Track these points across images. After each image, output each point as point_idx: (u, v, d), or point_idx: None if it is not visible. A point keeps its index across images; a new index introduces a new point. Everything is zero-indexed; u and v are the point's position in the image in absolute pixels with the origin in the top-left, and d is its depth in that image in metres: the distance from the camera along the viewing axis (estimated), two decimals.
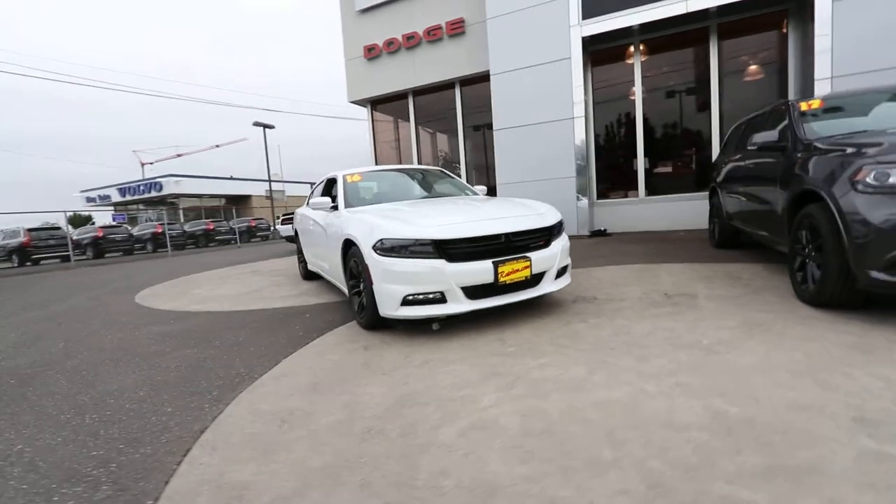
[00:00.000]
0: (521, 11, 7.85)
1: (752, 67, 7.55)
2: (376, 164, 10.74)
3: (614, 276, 4.32)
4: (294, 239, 10.64)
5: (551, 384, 2.03)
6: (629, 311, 3.14)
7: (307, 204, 5.54)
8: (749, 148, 3.90)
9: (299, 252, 5.90)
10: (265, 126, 23.16)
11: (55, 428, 1.97)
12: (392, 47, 9.53)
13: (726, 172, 5.07)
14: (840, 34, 6.02)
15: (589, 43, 7.80)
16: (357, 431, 1.73)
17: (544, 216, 3.23)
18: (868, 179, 2.43)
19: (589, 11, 7.48)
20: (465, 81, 9.42)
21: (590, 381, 2.03)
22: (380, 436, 1.69)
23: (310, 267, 5.36)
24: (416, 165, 4.68)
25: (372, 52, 9.74)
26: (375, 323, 3.05)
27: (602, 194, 8.44)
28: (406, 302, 2.77)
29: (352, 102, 10.37)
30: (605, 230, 7.99)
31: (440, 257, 2.75)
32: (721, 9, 6.96)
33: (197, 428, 1.87)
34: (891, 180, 2.36)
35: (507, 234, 2.91)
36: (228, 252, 14.10)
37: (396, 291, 2.77)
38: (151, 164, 41.80)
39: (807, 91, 6.71)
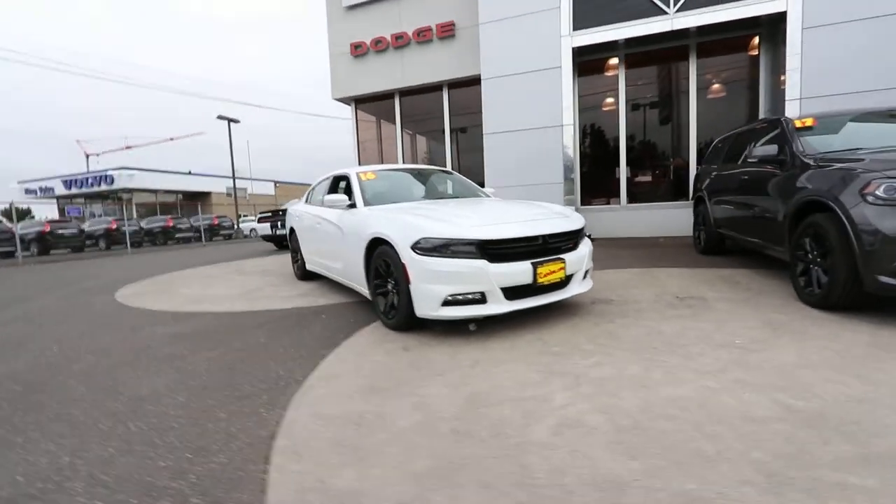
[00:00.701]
0: (513, 18, 7.99)
1: (727, 85, 8.07)
2: (359, 163, 10.57)
3: (619, 280, 4.47)
4: (273, 238, 10.33)
5: (615, 383, 2.08)
6: (650, 312, 3.26)
7: (306, 201, 5.38)
8: (749, 160, 4.15)
9: (294, 251, 5.70)
10: (230, 120, 22.21)
11: (99, 438, 1.80)
12: (380, 46, 9.42)
13: (715, 183, 5.38)
14: (808, 59, 6.54)
15: (577, 54, 8.05)
16: (444, 433, 1.71)
17: (571, 219, 3.31)
18: (878, 192, 2.66)
19: (579, 23, 7.73)
20: (454, 84, 9.46)
21: (651, 379, 2.09)
22: (470, 437, 1.67)
23: (309, 266, 5.19)
24: (424, 166, 4.62)
25: (359, 50, 9.59)
26: (408, 324, 3.01)
27: (585, 201, 8.71)
28: (447, 302, 2.75)
29: (336, 100, 10.15)
30: (590, 235, 8.24)
31: (482, 258, 2.75)
32: (700, 29, 7.40)
33: (265, 434, 1.77)
34: None
35: (544, 236, 2.96)
36: (195, 251, 13.37)
37: (438, 291, 2.75)
38: (98, 155, 38.94)
39: (777, 110, 7.25)
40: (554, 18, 7.79)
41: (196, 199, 28.96)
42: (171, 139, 38.07)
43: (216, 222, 20.89)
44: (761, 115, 7.70)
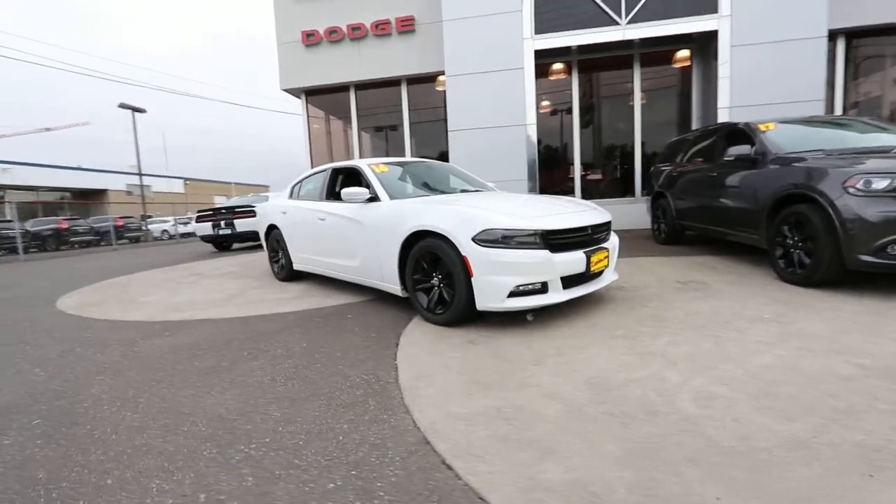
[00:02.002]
0: (477, 18, 8.11)
1: (665, 91, 8.98)
2: (311, 158, 10.00)
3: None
4: (215, 239, 9.31)
5: (703, 358, 2.24)
6: (668, 296, 3.54)
7: (291, 196, 4.99)
8: (726, 159, 4.66)
9: (273, 251, 5.25)
10: (134, 109, 19.66)
11: (220, 467, 1.52)
12: (335, 36, 8.99)
13: (678, 180, 5.96)
14: (735, 73, 7.52)
15: (537, 56, 8.40)
16: (600, 417, 1.71)
17: (602, 212, 3.47)
18: (858, 185, 3.16)
19: (540, 28, 8.08)
20: (413, 80, 9.35)
21: (730, 352, 2.29)
22: (630, 417, 1.70)
23: (297, 266, 4.82)
24: (425, 159, 4.41)
25: (311, 39, 9.06)
26: (462, 318, 2.95)
27: None
28: (512, 293, 2.75)
29: (284, 90, 9.47)
30: None
31: (544, 248, 2.79)
32: (644, 41, 8.14)
33: (414, 440, 1.63)
34: (873, 186, 3.11)
35: (591, 227, 3.07)
36: (107, 256, 11.63)
37: (504, 283, 2.73)
38: None
39: (709, 116, 8.22)
40: (516, 21, 8.05)
41: (89, 198, 25.11)
42: (48, 129, 32.52)
43: (121, 223, 18.34)
44: (694, 121, 8.68)
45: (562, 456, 1.47)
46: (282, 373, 2.34)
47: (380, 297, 4.00)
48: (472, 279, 2.80)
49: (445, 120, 9.29)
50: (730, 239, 4.84)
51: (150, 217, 21.89)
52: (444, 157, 8.99)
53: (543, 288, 2.81)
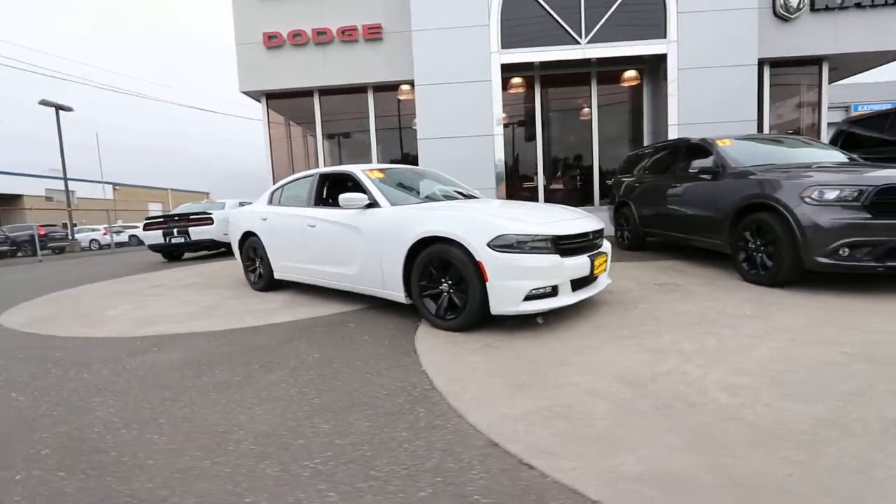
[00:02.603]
0: (447, 30, 8.26)
1: (620, 107, 9.61)
2: (271, 164, 9.62)
3: None
4: (166, 248, 8.59)
5: (712, 353, 2.42)
6: (652, 297, 3.79)
7: (271, 202, 4.79)
8: (690, 171, 5.07)
9: (251, 260, 4.99)
10: (58, 107, 17.85)
11: (292, 485, 1.43)
12: (299, 40, 8.75)
13: (641, 190, 6.39)
14: (683, 93, 8.23)
15: (503, 70, 8.69)
16: (646, 409, 1.82)
17: (595, 218, 3.66)
18: (814, 196, 3.59)
19: (506, 43, 8.38)
20: (379, 87, 9.30)
21: (731, 346, 2.50)
22: (672, 409, 1.81)
23: (279, 275, 4.62)
24: (415, 166, 4.30)
25: (274, 41, 8.76)
26: (474, 323, 2.98)
27: None
28: (527, 297, 2.83)
29: (244, 93, 9.06)
30: None
31: (555, 252, 2.90)
32: (600, 60, 8.70)
33: (481, 443, 1.64)
34: (826, 196, 3.55)
35: (591, 232, 3.24)
36: (34, 268, 10.36)
37: (520, 287, 2.80)
38: None
39: (658, 131, 8.90)
40: (484, 35, 8.30)
41: (3, 204, 22.31)
42: None
43: (43, 232, 16.44)
44: (646, 136, 9.36)
45: (629, 448, 1.55)
46: (307, 385, 2.25)
47: (374, 304, 3.93)
48: (487, 284, 2.84)
49: (412, 128, 9.35)
50: (692, 245, 5.25)
51: (76, 225, 19.84)
52: (412, 164, 9.00)
53: (554, 291, 2.92)
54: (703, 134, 7.00)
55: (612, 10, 8.17)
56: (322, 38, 8.75)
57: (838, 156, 4.89)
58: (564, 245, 2.96)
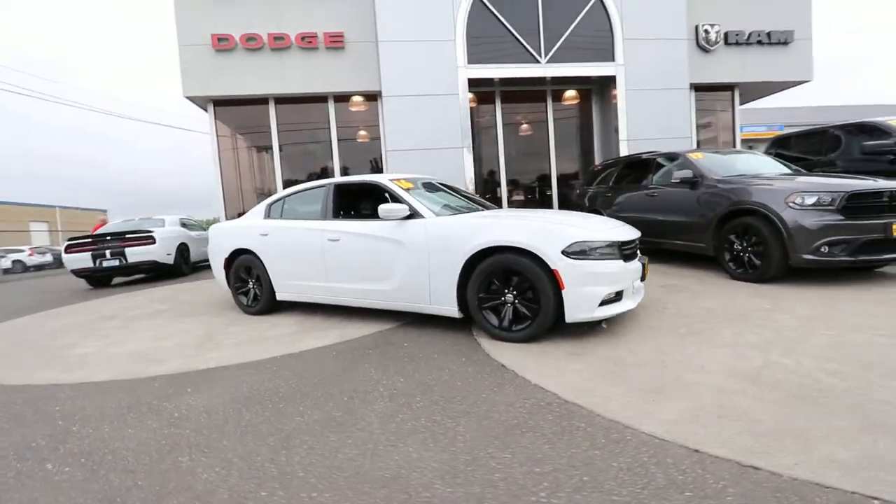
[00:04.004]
0: (413, 42, 8.22)
1: (573, 122, 10.25)
2: (221, 177, 8.75)
3: None
4: (93, 273, 7.27)
5: (781, 343, 2.63)
6: (670, 298, 4.05)
7: (270, 216, 4.34)
8: (672, 181, 5.51)
9: (242, 281, 4.45)
10: None
11: None
12: (253, 44, 8.13)
13: (615, 198, 6.82)
14: (630, 111, 9.01)
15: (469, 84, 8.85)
16: (792, 399, 1.91)
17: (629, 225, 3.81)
18: (797, 201, 4.11)
19: (472, 58, 8.56)
20: (341, 97, 8.95)
21: (789, 336, 2.74)
22: (816, 392, 1.93)
23: (283, 296, 4.18)
24: (428, 177, 4.05)
25: (224, 44, 8.03)
26: (545, 332, 2.94)
27: None
28: (602, 302, 2.86)
29: (188, 98, 8.16)
30: None
31: (620, 258, 2.98)
32: (555, 79, 9.25)
33: (682, 452, 1.60)
34: (807, 202, 4.08)
35: (636, 239, 3.38)
36: None
37: (595, 293, 2.83)
38: None
39: (608, 145, 9.63)
40: (450, 49, 8.40)
41: None
42: None
43: None
44: (596, 150, 10.06)
45: (819, 438, 1.62)
46: (428, 413, 2.04)
47: (408, 321, 3.71)
48: (564, 292, 2.83)
49: (378, 139, 9.12)
50: (674, 248, 5.70)
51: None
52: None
53: (618, 296, 2.99)
54: (649, 148, 7.81)
55: (568, 32, 8.74)
56: (279, 43, 8.21)
57: (783, 167, 5.65)
58: (625, 250, 3.05)
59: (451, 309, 3.25)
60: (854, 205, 4.00)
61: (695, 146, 10.42)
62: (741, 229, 4.57)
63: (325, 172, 9.21)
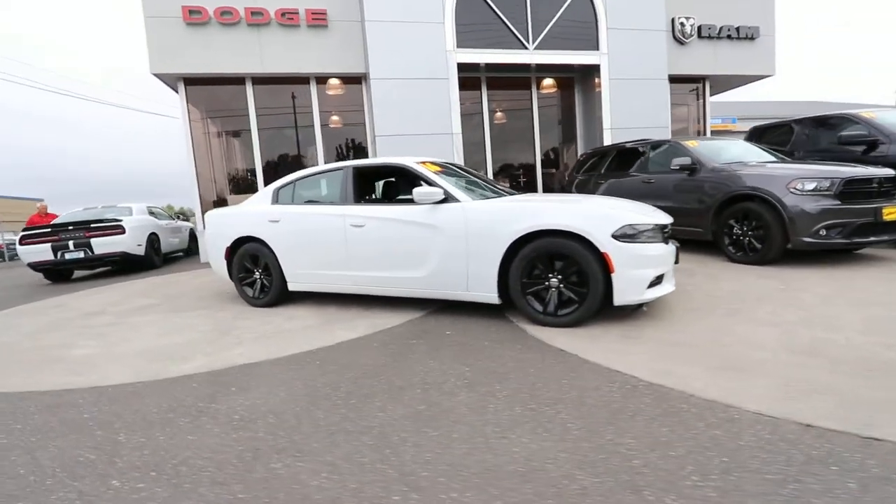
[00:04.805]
0: (402, 23, 7.93)
1: (554, 110, 10.33)
2: (194, 160, 8.14)
3: None
4: (52, 266, 6.52)
5: (820, 320, 2.76)
6: (687, 280, 4.16)
7: (278, 201, 4.06)
8: (672, 168, 5.64)
9: (248, 271, 4.15)
10: None
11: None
12: (229, 18, 7.55)
13: (609, 185, 6.93)
14: (613, 100, 9.18)
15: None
16: (866, 371, 1.99)
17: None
18: (798, 186, 4.32)
19: (461, 43, 8.38)
20: (324, 79, 8.54)
21: (827, 312, 2.88)
22: (884, 363, 2.02)
23: (296, 286, 3.94)
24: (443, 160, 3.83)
25: (196, 17, 7.40)
26: (591, 316, 2.93)
27: None
28: (651, 284, 2.87)
29: (155, 75, 7.48)
30: None
31: (662, 241, 3.00)
32: (539, 66, 9.27)
33: (796, 428, 1.62)
34: (807, 187, 4.30)
35: (671, 223, 3.42)
36: None
37: (644, 276, 2.84)
38: None
39: (590, 133, 9.78)
40: (439, 32, 8.18)
41: None
42: None
43: None
44: (579, 138, 10.21)
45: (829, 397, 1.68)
46: (518, 403, 1.95)
47: (435, 308, 3.61)
48: (613, 275, 2.82)
49: (363, 124, 8.82)
50: (672, 233, 5.86)
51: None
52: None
53: (659, 279, 3.02)
54: (631, 136, 8.00)
55: (555, 20, 8.74)
56: (258, 18, 7.68)
57: (768, 155, 5.92)
58: (666, 234, 3.08)
59: (490, 295, 3.17)
60: (849, 190, 4.25)
61: (670, 135, 10.81)
62: (741, 214, 4.76)
63: (305, 159, 8.79)
